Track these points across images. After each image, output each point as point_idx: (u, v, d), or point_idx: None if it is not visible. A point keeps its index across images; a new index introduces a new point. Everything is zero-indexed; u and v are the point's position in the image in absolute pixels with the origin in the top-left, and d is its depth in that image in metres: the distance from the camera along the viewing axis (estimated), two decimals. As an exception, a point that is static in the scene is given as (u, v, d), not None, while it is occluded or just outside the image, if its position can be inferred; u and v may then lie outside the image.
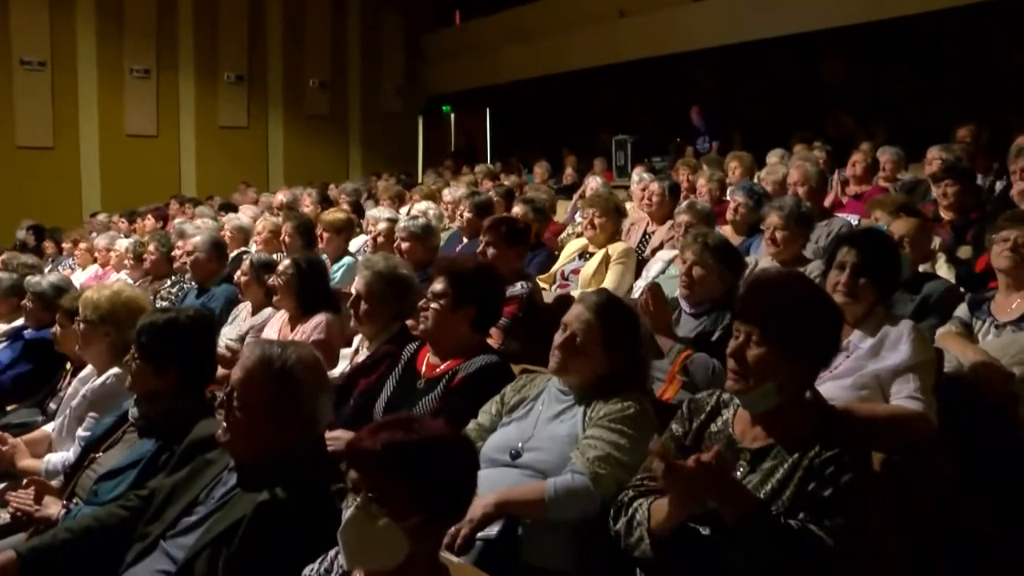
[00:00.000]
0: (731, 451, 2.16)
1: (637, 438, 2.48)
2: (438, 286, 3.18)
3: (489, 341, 3.49)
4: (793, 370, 2.11)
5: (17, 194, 13.93)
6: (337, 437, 2.81)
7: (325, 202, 8.58)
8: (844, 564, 1.98)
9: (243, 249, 6.57)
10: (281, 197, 9.23)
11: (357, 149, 17.55)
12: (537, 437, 2.64)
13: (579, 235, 5.93)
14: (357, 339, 3.96)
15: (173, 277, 6.13)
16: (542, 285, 5.06)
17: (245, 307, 4.97)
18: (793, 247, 4.28)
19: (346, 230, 6.13)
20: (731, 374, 2.16)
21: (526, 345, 3.89)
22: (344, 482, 1.76)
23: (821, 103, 11.43)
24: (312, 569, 1.88)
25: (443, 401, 3.01)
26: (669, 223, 5.67)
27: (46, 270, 6.90)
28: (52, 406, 4.02)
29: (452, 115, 18.57)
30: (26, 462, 3.46)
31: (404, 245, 5.09)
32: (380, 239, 5.69)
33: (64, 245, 10.65)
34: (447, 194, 7.69)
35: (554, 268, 5.51)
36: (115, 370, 3.41)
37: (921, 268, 4.11)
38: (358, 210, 8.00)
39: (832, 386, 2.71)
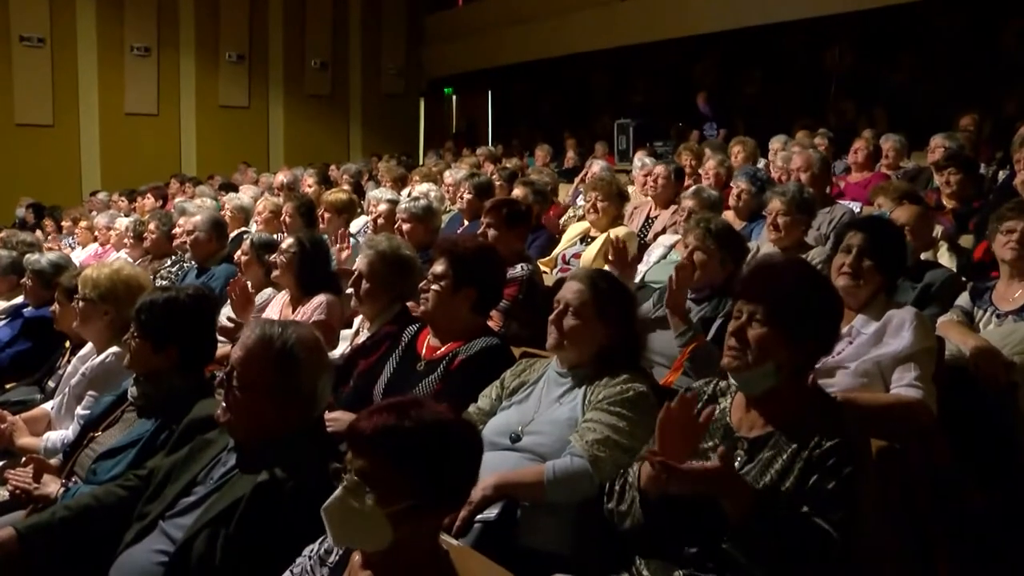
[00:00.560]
0: (728, 440, 2.15)
1: (636, 421, 2.48)
2: (439, 268, 3.17)
3: (489, 323, 3.48)
4: (792, 353, 2.10)
5: (16, 172, 13.88)
6: (336, 418, 2.80)
7: (326, 182, 8.56)
8: (844, 554, 1.97)
9: (243, 229, 6.56)
10: (282, 177, 9.20)
11: (358, 130, 17.50)
12: (537, 421, 2.64)
13: (581, 219, 5.92)
14: (358, 320, 3.95)
15: (173, 256, 6.11)
16: (543, 269, 5.05)
17: (245, 287, 4.94)
18: (795, 233, 4.28)
19: (347, 210, 6.12)
20: (730, 351, 2.14)
21: (526, 327, 3.88)
22: (343, 463, 1.75)
23: (824, 90, 11.39)
24: (312, 550, 1.88)
25: (443, 383, 3.00)
26: (673, 208, 5.66)
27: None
28: (51, 384, 4.01)
29: (454, 97, 18.51)
30: (25, 440, 3.46)
31: (405, 226, 5.08)
32: (381, 220, 5.68)
33: (64, 224, 10.63)
34: (448, 176, 7.66)
35: (555, 251, 5.50)
36: (114, 349, 3.40)
37: (923, 256, 4.11)
38: (359, 191, 7.98)
39: (834, 372, 2.71)
